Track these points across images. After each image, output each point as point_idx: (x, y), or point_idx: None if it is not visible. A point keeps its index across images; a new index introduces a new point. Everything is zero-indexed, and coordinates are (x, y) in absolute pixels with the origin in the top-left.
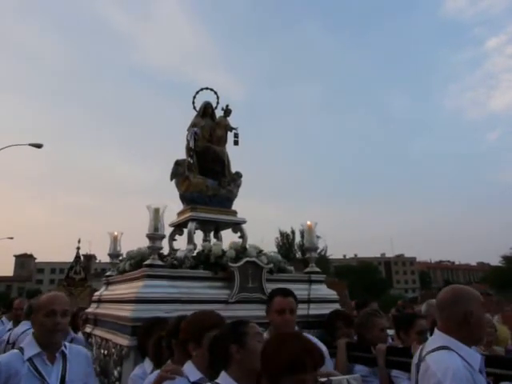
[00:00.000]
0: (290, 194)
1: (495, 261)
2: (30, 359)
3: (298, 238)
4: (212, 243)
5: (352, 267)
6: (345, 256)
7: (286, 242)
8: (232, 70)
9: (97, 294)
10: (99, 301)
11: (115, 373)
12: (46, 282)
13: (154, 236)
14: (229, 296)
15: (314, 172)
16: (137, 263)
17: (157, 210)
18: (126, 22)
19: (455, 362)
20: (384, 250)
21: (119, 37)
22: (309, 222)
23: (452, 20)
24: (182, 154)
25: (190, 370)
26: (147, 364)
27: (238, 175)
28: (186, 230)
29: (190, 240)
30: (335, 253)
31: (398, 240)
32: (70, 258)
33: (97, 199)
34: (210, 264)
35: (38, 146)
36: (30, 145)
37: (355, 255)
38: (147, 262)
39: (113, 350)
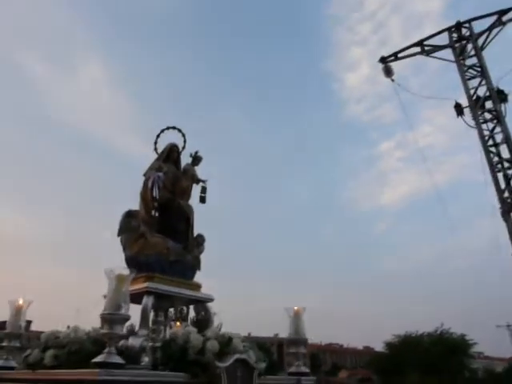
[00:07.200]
0: None
1: (379, 346)
2: None
3: None
4: (183, 329)
5: None
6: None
7: None
8: (148, 139)
9: None
10: None
11: None
12: None
13: (114, 318)
14: None
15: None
16: (70, 355)
17: (121, 279)
18: (44, 73)
19: None
20: (278, 330)
21: (34, 86)
22: (296, 307)
23: (351, 122)
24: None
25: None
26: None
27: (202, 238)
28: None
29: (146, 322)
30: (228, 330)
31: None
32: None
33: None
34: (185, 362)
35: None
36: None
37: (249, 334)
38: (99, 358)
39: None
